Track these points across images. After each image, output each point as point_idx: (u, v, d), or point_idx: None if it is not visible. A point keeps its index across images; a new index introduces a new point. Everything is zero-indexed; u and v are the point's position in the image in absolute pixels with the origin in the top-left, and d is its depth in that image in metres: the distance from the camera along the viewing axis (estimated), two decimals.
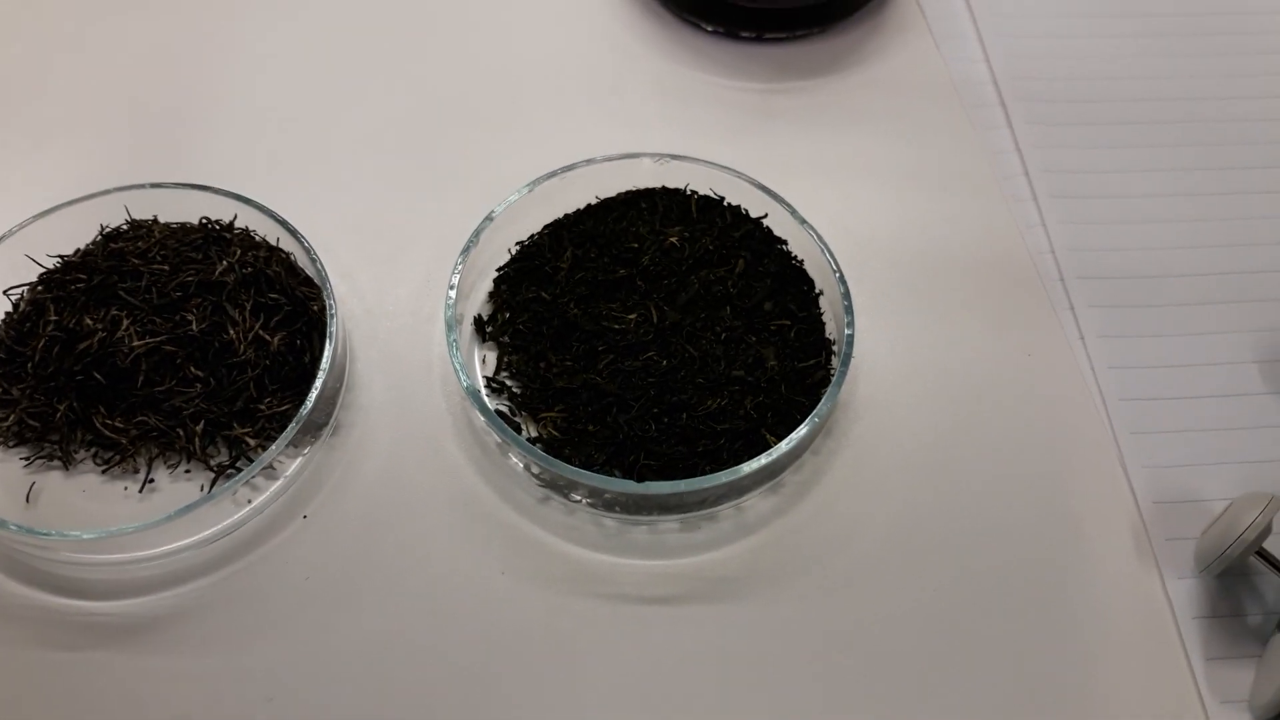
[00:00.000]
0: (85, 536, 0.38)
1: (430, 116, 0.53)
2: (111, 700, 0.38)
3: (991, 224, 0.50)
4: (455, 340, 0.42)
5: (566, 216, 0.48)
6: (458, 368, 0.41)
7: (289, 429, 0.40)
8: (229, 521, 0.40)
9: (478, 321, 0.45)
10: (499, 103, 0.54)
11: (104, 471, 0.41)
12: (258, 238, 0.46)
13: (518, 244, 0.47)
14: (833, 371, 0.43)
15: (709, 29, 0.57)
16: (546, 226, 0.47)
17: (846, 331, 0.42)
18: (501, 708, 0.38)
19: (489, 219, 0.44)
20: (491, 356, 0.44)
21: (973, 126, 0.54)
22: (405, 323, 0.46)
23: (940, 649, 0.39)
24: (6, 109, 0.53)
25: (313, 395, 0.40)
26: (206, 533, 0.40)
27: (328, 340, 0.42)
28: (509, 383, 0.44)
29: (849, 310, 0.42)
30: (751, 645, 0.39)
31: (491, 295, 0.46)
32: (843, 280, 0.43)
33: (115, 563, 0.40)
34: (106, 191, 0.46)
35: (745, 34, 0.57)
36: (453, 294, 0.43)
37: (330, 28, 0.57)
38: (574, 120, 0.54)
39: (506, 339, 0.44)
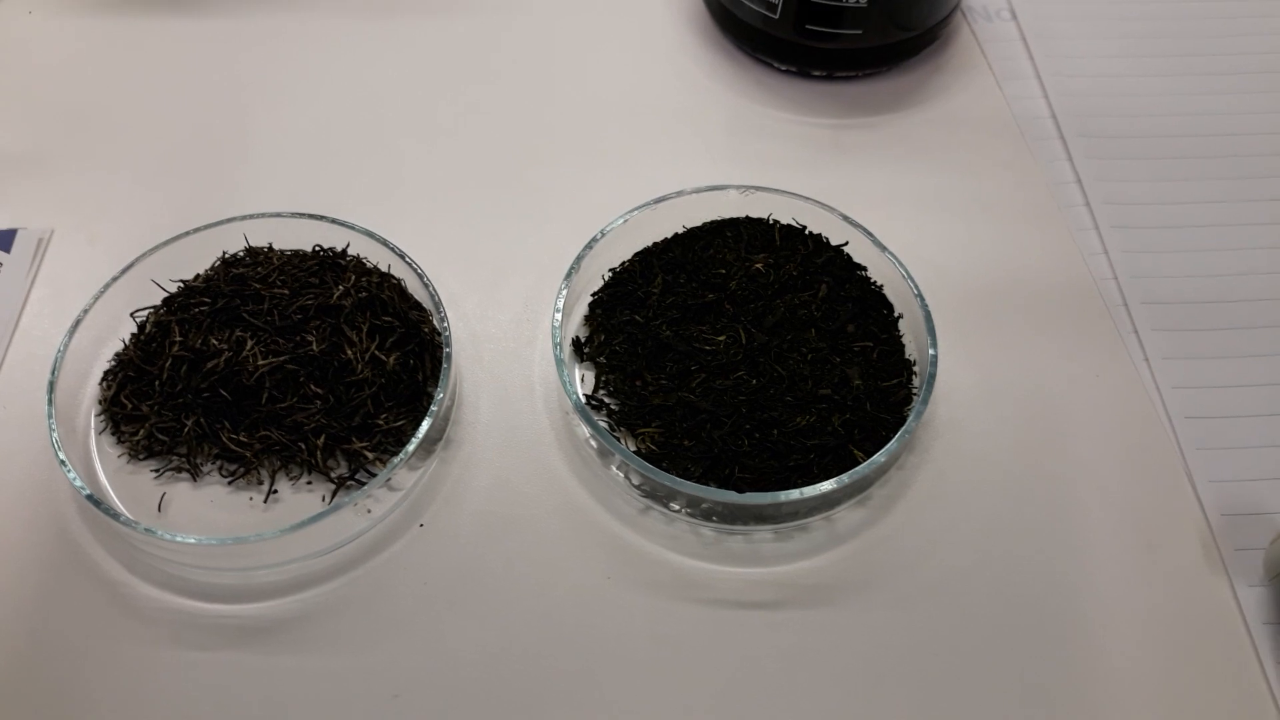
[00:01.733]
0: (221, 542, 0.40)
1: (519, 154, 0.56)
2: (245, 697, 0.40)
3: (1056, 252, 0.53)
4: (562, 357, 0.44)
5: (655, 245, 0.50)
6: (565, 381, 0.43)
7: (411, 444, 0.42)
8: (350, 530, 0.43)
9: (575, 343, 0.48)
10: (584, 140, 0.57)
11: (230, 483, 0.44)
12: (369, 264, 0.48)
13: (610, 270, 0.50)
14: (915, 391, 0.45)
15: (781, 68, 0.60)
16: (636, 254, 0.50)
17: (930, 351, 0.44)
18: (607, 706, 0.40)
19: (590, 245, 0.47)
20: (589, 377, 0.47)
21: (1035, 160, 0.57)
22: (507, 346, 0.49)
23: (1021, 654, 0.41)
24: (128, 146, 0.56)
25: (433, 411, 0.43)
26: (330, 541, 0.42)
27: (444, 361, 0.44)
28: (607, 400, 0.46)
29: (931, 331, 0.45)
30: (843, 648, 0.41)
31: (587, 319, 0.49)
32: (924, 303, 0.46)
33: (243, 568, 0.42)
34: (224, 221, 0.49)
35: (816, 73, 0.60)
36: (559, 315, 0.45)
37: (428, 67, 0.61)
38: (654, 156, 0.56)
39: (603, 359, 0.47)
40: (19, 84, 0.59)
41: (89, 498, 0.40)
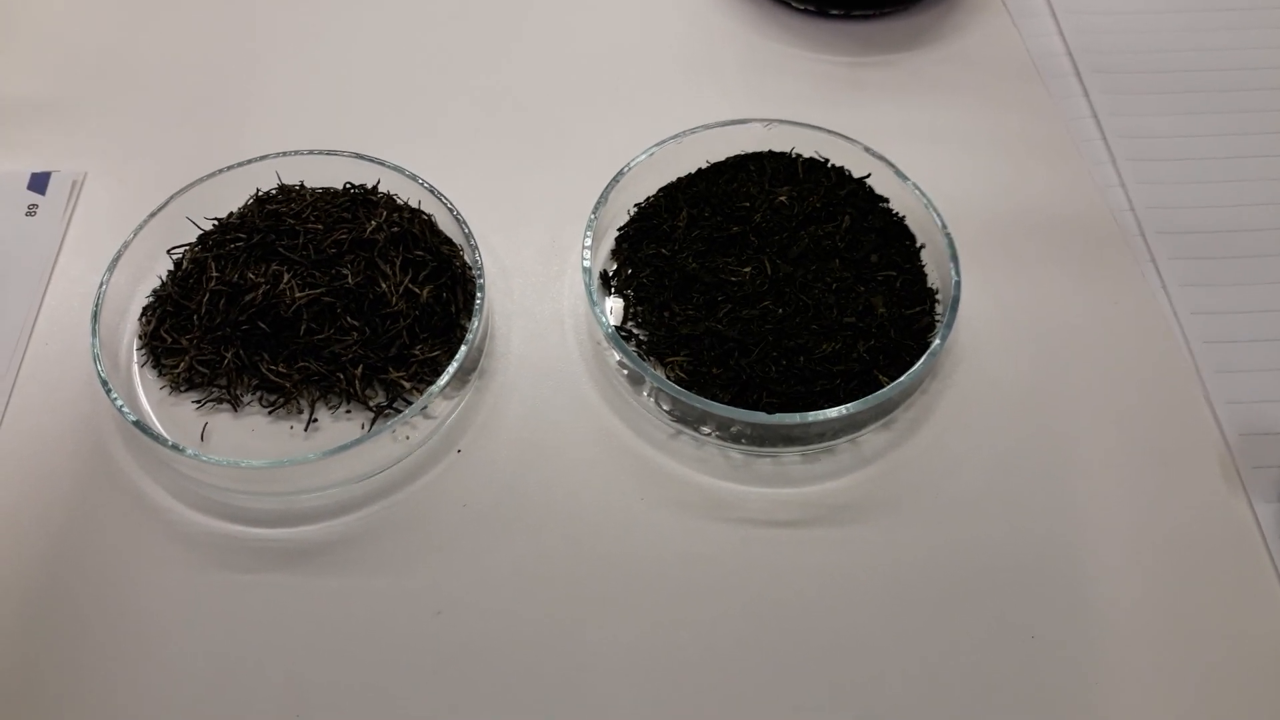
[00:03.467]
0: (265, 465, 0.41)
1: (543, 94, 0.57)
2: (292, 616, 0.41)
3: (1073, 185, 0.54)
4: (592, 287, 0.45)
5: (680, 179, 0.51)
6: (597, 312, 0.44)
7: (446, 374, 0.43)
8: (390, 456, 0.44)
9: (603, 276, 0.49)
10: (605, 80, 0.58)
11: (270, 413, 0.45)
12: (400, 200, 0.49)
13: (635, 205, 0.50)
14: (938, 318, 0.46)
15: (799, 7, 0.61)
16: (661, 189, 0.51)
17: (954, 278, 0.45)
18: (641, 621, 0.41)
19: (616, 179, 0.48)
20: (617, 309, 0.48)
21: (1050, 96, 0.57)
22: (535, 280, 0.50)
23: (1040, 568, 0.42)
24: (156, 88, 0.57)
25: (468, 340, 0.44)
26: (369, 466, 0.43)
27: (478, 292, 0.45)
28: (635, 331, 0.47)
29: (954, 259, 0.46)
30: (868, 565, 0.42)
31: (614, 253, 0.50)
32: (947, 231, 0.46)
33: (286, 493, 0.43)
34: (255, 159, 0.50)
35: (834, 11, 0.60)
36: (588, 250, 0.46)
37: (452, 10, 0.62)
38: (674, 96, 0.57)
39: (631, 292, 0.48)
40: (46, 30, 0.60)
41: (136, 424, 0.41)
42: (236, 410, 0.45)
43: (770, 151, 0.51)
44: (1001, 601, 0.42)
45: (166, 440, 0.42)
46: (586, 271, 0.46)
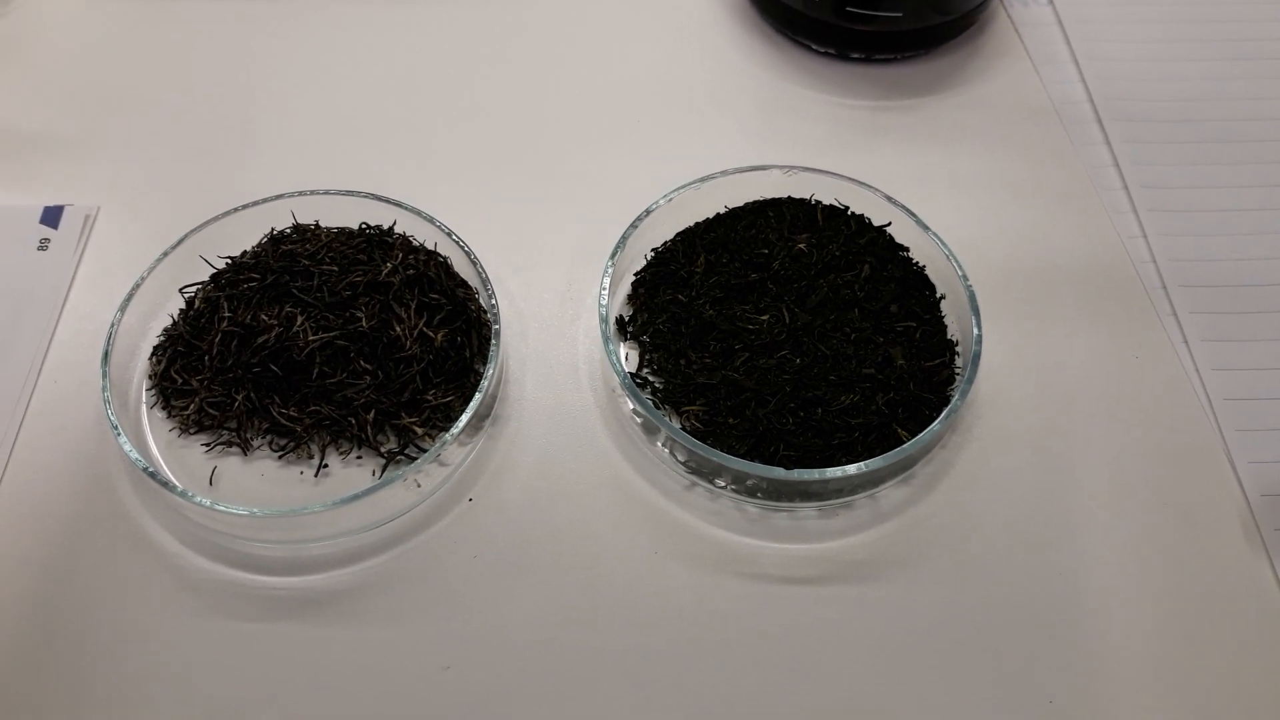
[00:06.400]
0: (273, 514, 0.40)
1: (563, 136, 0.57)
2: (297, 667, 0.40)
3: (1095, 235, 0.53)
4: (609, 334, 0.45)
5: (697, 225, 0.51)
6: (613, 359, 0.44)
7: (461, 420, 0.42)
8: (401, 505, 0.43)
9: (619, 321, 0.48)
10: (623, 123, 0.57)
11: (280, 457, 0.44)
12: (415, 242, 0.49)
13: (652, 251, 0.50)
14: (958, 371, 0.46)
15: (819, 50, 0.60)
16: (679, 234, 0.50)
17: (975, 331, 0.45)
18: (654, 677, 0.40)
19: (635, 224, 0.48)
20: (633, 355, 0.47)
21: (1072, 143, 0.57)
22: (551, 325, 0.49)
23: (1059, 630, 0.42)
24: (170, 125, 0.57)
25: (483, 388, 0.43)
26: (380, 514, 0.43)
27: (493, 338, 0.45)
28: (651, 378, 0.46)
29: (975, 310, 0.45)
30: (886, 624, 0.42)
31: (630, 298, 0.49)
32: (968, 283, 0.46)
33: (294, 541, 0.43)
34: (271, 199, 0.49)
35: (854, 55, 0.60)
36: (605, 294, 0.46)
37: (468, 50, 0.61)
38: (693, 139, 0.57)
39: (647, 338, 0.47)
40: (61, 65, 0.60)
41: (144, 469, 0.41)
42: (246, 454, 0.45)
43: (790, 198, 0.51)
44: (1019, 664, 0.41)
45: (174, 486, 0.41)
46: (603, 316, 0.45)
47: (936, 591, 0.42)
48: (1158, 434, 0.47)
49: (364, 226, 0.49)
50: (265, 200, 0.49)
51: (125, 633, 0.41)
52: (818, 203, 0.51)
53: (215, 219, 0.48)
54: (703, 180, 0.49)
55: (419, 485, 0.43)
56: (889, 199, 0.49)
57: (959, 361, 0.46)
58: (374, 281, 0.46)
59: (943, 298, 0.48)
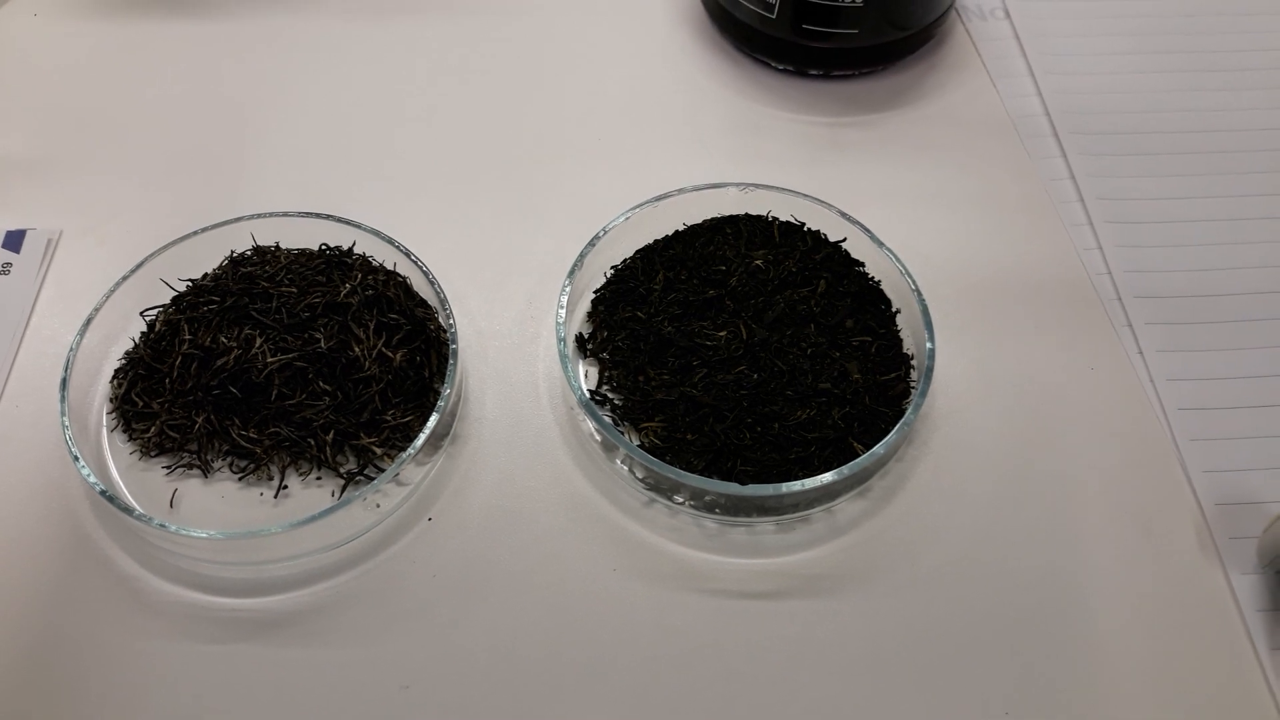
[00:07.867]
0: (233, 536, 0.41)
1: (522, 155, 0.57)
2: (256, 689, 0.40)
3: (1051, 247, 0.54)
4: (566, 353, 0.45)
5: (656, 242, 0.51)
6: (570, 377, 0.44)
7: (418, 440, 0.43)
8: (360, 525, 0.43)
9: (579, 339, 0.49)
10: (583, 140, 0.58)
11: (240, 479, 0.44)
12: (375, 263, 0.49)
13: (611, 268, 0.50)
14: (913, 384, 0.46)
15: (779, 67, 0.61)
16: (638, 251, 0.51)
17: (928, 345, 0.45)
18: (614, 696, 0.40)
19: (593, 243, 0.48)
20: (592, 373, 0.48)
21: (1029, 156, 0.57)
22: (511, 343, 0.50)
23: (1019, 641, 0.42)
24: (134, 148, 0.57)
25: (440, 407, 0.43)
26: (339, 535, 0.43)
27: (451, 358, 0.45)
28: (610, 395, 0.47)
29: (929, 325, 0.46)
30: (845, 637, 0.42)
31: (590, 315, 0.49)
32: (921, 298, 0.46)
33: (254, 562, 0.43)
34: (231, 221, 0.49)
35: (813, 72, 0.60)
36: (562, 312, 0.46)
37: (429, 69, 0.62)
38: (653, 155, 0.57)
39: (606, 355, 0.48)
40: (25, 86, 0.60)
41: (103, 493, 0.41)
42: (207, 476, 0.45)
43: (747, 215, 0.51)
44: (980, 674, 0.41)
45: (134, 510, 0.41)
46: (561, 335, 0.46)
47: (894, 604, 0.43)
48: (1114, 445, 0.47)
49: (324, 248, 0.49)
50: (226, 223, 0.49)
51: (86, 656, 0.41)
52: (774, 219, 0.51)
53: (176, 241, 0.49)
54: (660, 199, 0.50)
55: (378, 505, 0.44)
56: (844, 215, 0.49)
57: (914, 375, 0.47)
58: (333, 302, 0.46)
59: (898, 312, 0.48)
